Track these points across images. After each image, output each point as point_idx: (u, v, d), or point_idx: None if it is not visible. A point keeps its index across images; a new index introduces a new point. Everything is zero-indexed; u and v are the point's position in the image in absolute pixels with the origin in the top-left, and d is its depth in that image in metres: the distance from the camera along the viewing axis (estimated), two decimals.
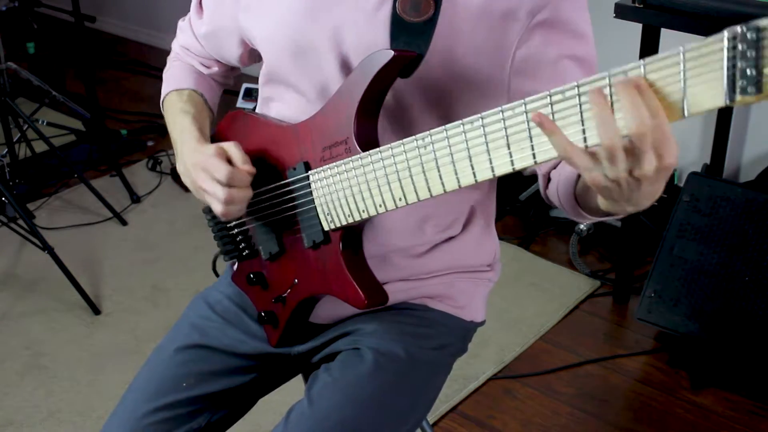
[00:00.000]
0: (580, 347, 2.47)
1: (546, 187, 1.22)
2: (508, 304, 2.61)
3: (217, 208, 1.19)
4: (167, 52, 1.50)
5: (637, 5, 2.20)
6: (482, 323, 1.44)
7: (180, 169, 1.28)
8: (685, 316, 2.28)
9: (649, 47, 2.28)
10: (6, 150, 3.16)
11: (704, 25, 2.12)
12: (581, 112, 0.90)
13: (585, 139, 0.90)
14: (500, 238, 1.44)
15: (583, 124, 0.90)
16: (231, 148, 1.20)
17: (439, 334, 1.34)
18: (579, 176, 1.11)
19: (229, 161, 1.19)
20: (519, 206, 3.02)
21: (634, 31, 2.29)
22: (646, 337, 2.49)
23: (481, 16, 1.15)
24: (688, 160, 2.93)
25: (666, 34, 2.27)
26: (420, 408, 1.31)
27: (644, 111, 0.83)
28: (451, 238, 1.34)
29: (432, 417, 2.19)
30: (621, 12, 2.23)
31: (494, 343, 2.45)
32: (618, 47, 2.71)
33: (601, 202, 0.98)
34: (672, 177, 2.88)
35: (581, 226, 2.84)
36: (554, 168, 1.19)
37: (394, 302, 1.34)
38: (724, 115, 2.65)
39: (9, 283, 2.79)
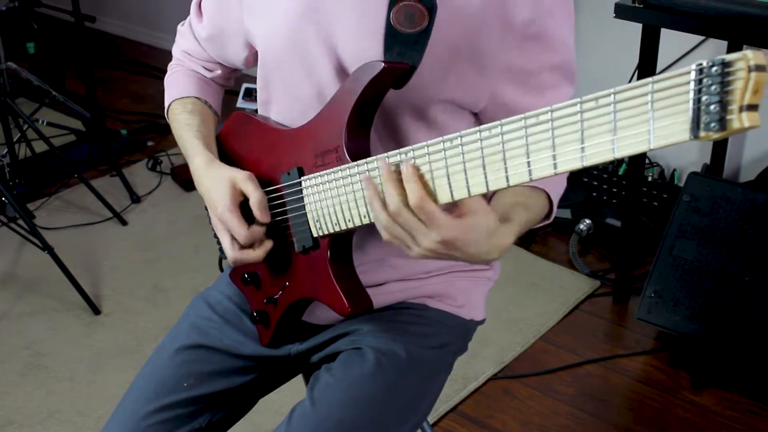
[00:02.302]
0: (580, 347, 2.47)
1: None
2: (508, 304, 2.62)
3: (231, 259, 1.26)
4: (167, 52, 1.50)
5: (637, 5, 2.20)
6: (482, 322, 1.44)
7: (195, 183, 1.32)
8: (685, 316, 2.28)
9: (649, 47, 2.28)
10: (6, 150, 3.16)
11: (704, 25, 2.12)
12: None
13: (555, 166, 0.91)
14: None
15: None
16: (248, 187, 1.23)
17: (439, 333, 1.34)
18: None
19: (243, 201, 1.23)
20: None
21: (634, 31, 2.30)
22: (646, 337, 2.50)
23: (474, 27, 1.16)
24: (688, 160, 2.94)
25: (666, 34, 2.27)
26: (421, 407, 1.31)
27: (393, 191, 1.00)
28: None
29: (432, 417, 2.19)
30: (621, 12, 2.23)
31: (494, 343, 2.46)
32: (618, 47, 2.71)
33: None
34: (672, 177, 2.88)
35: (581, 226, 2.85)
36: None
37: (393, 302, 1.34)
38: None
39: (9, 283, 2.79)
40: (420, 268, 1.33)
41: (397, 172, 1.01)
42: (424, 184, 1.01)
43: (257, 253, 1.23)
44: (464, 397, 2.28)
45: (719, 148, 2.70)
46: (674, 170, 2.89)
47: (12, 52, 3.58)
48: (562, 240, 2.94)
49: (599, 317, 2.61)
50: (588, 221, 2.84)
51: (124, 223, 3.11)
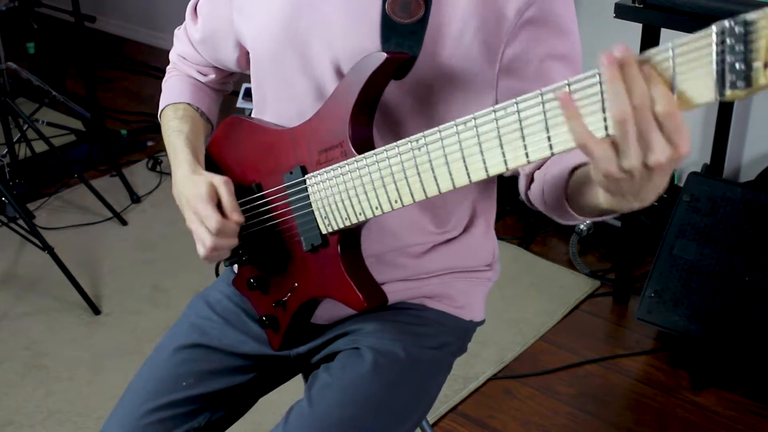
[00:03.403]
0: (580, 347, 2.47)
1: (528, 187, 1.22)
2: (508, 304, 2.61)
3: (201, 251, 1.22)
4: (167, 52, 1.50)
5: (637, 5, 2.20)
6: (482, 322, 1.44)
7: (174, 192, 1.31)
8: (685, 316, 2.28)
9: (649, 47, 2.28)
10: (6, 150, 3.16)
11: (704, 25, 2.11)
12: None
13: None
14: (500, 238, 1.45)
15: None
16: (222, 190, 1.22)
17: (439, 334, 1.34)
18: (571, 175, 1.10)
19: (220, 203, 1.21)
20: (519, 206, 3.03)
21: (634, 31, 2.30)
22: (646, 337, 2.49)
23: (470, 15, 1.15)
24: (688, 160, 2.93)
25: (666, 34, 2.27)
26: (420, 407, 1.31)
27: (642, 84, 0.83)
28: (451, 239, 1.34)
29: (432, 417, 2.19)
30: (621, 12, 2.23)
31: (494, 343, 2.45)
32: None
33: (604, 200, 0.96)
34: (672, 177, 2.88)
35: (581, 226, 2.84)
36: (538, 168, 1.19)
37: (392, 302, 1.33)
38: (723, 115, 2.65)
39: (9, 283, 2.79)
40: (420, 268, 1.33)
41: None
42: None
43: (231, 242, 1.21)
44: (464, 397, 2.28)
45: (719, 147, 2.70)
46: (674, 170, 2.89)
47: (12, 52, 3.58)
48: (562, 240, 2.94)
49: (599, 317, 2.61)
50: (588, 221, 2.84)
51: (124, 223, 3.11)
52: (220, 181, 1.23)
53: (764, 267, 2.23)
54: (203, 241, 1.21)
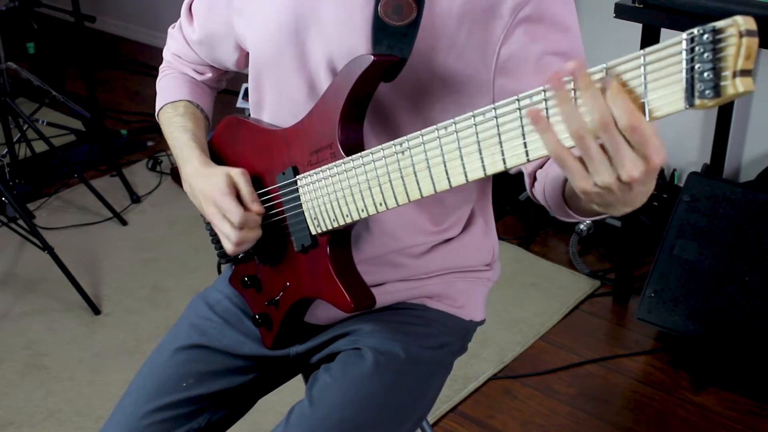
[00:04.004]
0: (580, 347, 2.47)
1: (532, 186, 1.21)
2: (508, 304, 2.61)
3: (229, 247, 1.22)
4: None
5: (637, 5, 2.20)
6: (482, 322, 1.44)
7: (186, 189, 1.31)
8: (685, 316, 2.28)
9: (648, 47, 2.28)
10: (6, 150, 3.17)
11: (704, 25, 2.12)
12: (548, 117, 0.88)
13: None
14: (500, 238, 1.44)
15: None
16: (240, 181, 1.22)
17: (439, 333, 1.34)
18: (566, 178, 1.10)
19: (238, 195, 1.21)
20: (519, 206, 3.03)
21: (634, 31, 2.30)
22: (646, 337, 2.49)
23: (464, 15, 1.15)
24: (688, 160, 2.94)
25: (666, 35, 2.27)
26: (420, 407, 1.31)
27: (601, 102, 0.82)
28: (450, 239, 1.34)
29: (432, 417, 2.19)
30: (621, 12, 2.23)
31: (494, 343, 2.45)
32: (618, 47, 2.71)
33: (594, 206, 0.96)
34: (672, 177, 2.88)
35: (581, 226, 2.85)
36: (540, 167, 1.18)
37: (392, 302, 1.34)
38: (724, 115, 2.65)
39: (9, 283, 2.79)
40: (420, 268, 1.33)
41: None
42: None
43: (256, 233, 1.21)
44: (464, 397, 2.28)
45: (719, 147, 2.70)
46: (674, 170, 2.89)
47: (12, 52, 3.58)
48: (562, 240, 2.94)
49: (599, 317, 2.61)
50: (588, 221, 2.84)
51: (124, 223, 3.11)
52: (237, 173, 1.23)
53: (764, 267, 2.23)
54: (228, 237, 1.21)
